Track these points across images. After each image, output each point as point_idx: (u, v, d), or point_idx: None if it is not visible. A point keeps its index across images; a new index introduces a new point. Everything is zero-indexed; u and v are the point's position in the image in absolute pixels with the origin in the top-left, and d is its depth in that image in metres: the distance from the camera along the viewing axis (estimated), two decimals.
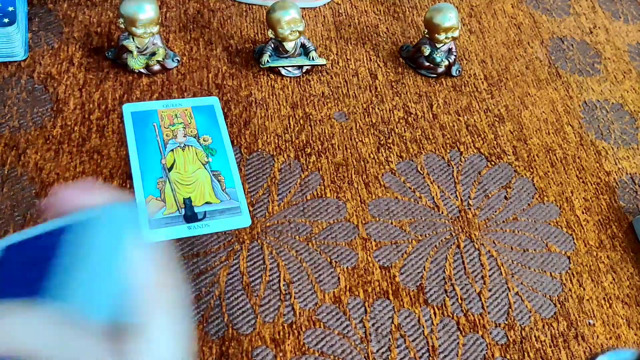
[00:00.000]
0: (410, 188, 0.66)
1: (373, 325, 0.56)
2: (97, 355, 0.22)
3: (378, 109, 0.72)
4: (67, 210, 0.26)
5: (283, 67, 0.72)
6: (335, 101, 0.72)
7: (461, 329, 0.57)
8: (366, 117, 0.71)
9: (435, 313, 0.57)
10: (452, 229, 0.64)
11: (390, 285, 0.58)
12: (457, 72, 0.78)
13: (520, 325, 0.58)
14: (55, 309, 0.22)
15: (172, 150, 0.64)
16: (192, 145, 0.65)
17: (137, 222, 0.27)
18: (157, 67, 0.69)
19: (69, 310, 0.23)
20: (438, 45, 0.75)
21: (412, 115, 0.72)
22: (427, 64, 0.76)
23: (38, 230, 0.26)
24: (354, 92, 0.73)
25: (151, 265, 0.26)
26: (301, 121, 0.69)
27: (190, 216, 0.59)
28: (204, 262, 0.57)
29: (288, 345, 0.53)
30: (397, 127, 0.71)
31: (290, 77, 0.73)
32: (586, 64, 0.84)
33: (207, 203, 0.60)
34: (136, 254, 0.25)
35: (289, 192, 0.63)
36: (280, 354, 0.53)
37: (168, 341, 0.24)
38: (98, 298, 0.23)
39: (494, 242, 0.63)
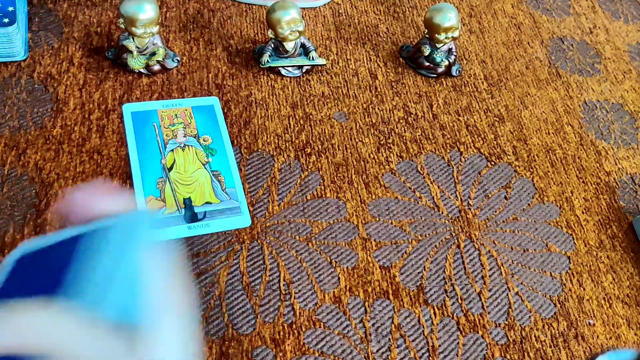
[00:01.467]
0: (410, 188, 0.66)
1: (373, 325, 0.56)
2: (110, 353, 0.23)
3: (378, 109, 0.72)
4: (81, 218, 0.27)
5: (283, 67, 0.72)
6: (335, 101, 0.72)
7: (461, 329, 0.57)
8: (366, 117, 0.71)
9: (435, 313, 0.57)
10: (452, 229, 0.64)
11: (390, 285, 0.58)
12: (457, 72, 0.78)
13: (520, 325, 0.58)
14: (71, 307, 0.23)
15: (172, 150, 0.64)
16: (192, 145, 0.65)
17: (149, 227, 0.28)
18: (157, 67, 0.69)
19: (83, 309, 0.23)
20: (438, 45, 0.75)
21: (412, 115, 0.72)
22: (427, 64, 0.76)
23: (55, 238, 0.26)
24: (354, 92, 0.73)
25: (162, 270, 0.27)
26: (301, 121, 0.69)
27: (190, 216, 0.59)
28: (204, 262, 0.57)
29: (288, 345, 0.53)
30: (397, 127, 0.71)
31: (290, 77, 0.73)
32: (586, 64, 0.84)
33: (207, 203, 0.60)
34: (148, 259, 0.26)
35: (289, 192, 0.63)
36: (280, 354, 0.53)
37: (176, 343, 0.25)
38: (112, 300, 0.24)
39: (494, 242, 0.63)
